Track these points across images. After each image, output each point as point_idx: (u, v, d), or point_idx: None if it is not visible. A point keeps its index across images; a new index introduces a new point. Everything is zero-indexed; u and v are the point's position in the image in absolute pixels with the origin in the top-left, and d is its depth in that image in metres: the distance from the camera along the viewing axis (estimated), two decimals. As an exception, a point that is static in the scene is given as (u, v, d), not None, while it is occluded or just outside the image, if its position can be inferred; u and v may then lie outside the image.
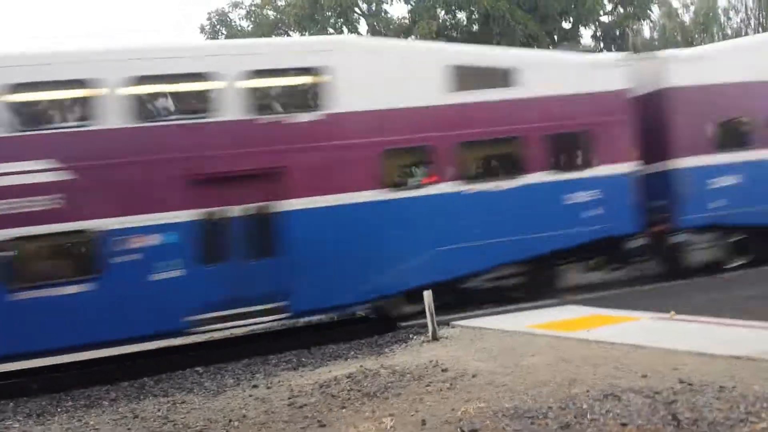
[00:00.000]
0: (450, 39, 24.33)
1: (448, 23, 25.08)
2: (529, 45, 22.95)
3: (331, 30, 24.66)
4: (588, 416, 5.56)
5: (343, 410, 6.62)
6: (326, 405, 6.86)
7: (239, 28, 25.16)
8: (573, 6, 23.96)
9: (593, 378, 6.53)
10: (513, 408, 5.96)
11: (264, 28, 24.68)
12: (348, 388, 7.36)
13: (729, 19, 30.50)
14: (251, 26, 25.00)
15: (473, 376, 7.17)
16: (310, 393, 7.40)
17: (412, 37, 24.40)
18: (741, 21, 30.02)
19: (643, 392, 5.87)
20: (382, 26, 25.07)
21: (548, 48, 24.54)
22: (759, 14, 29.15)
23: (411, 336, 10.14)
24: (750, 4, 29.88)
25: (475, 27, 24.90)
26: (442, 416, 5.96)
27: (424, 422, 5.85)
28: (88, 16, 54.69)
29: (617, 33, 25.99)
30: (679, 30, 27.53)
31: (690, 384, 5.94)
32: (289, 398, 7.32)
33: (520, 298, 12.13)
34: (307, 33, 24.87)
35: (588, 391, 6.11)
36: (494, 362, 7.71)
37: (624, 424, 5.24)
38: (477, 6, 22.97)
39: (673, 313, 9.40)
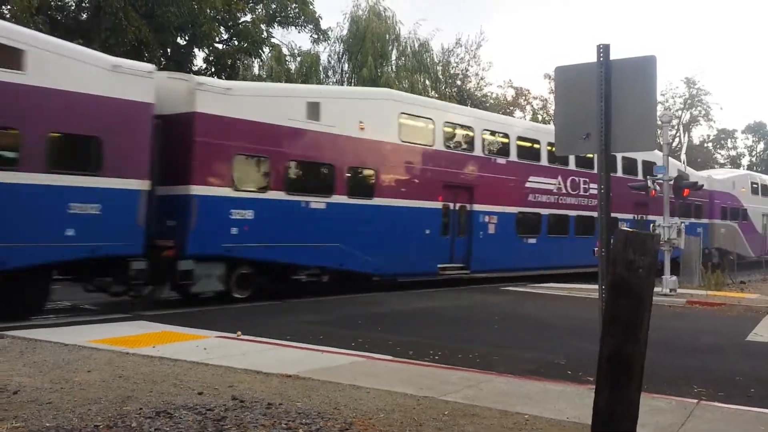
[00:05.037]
0: (53, 21, 22.05)
1: (52, 3, 22.69)
2: (139, 50, 22.17)
3: None
4: (136, 435, 5.35)
5: None
6: None
7: None
8: (190, 25, 24.05)
9: (149, 395, 6.33)
10: (54, 427, 5.43)
11: None
12: None
13: (327, 77, 34.38)
14: None
15: (15, 393, 6.31)
16: None
17: (7, 8, 21.39)
18: (336, 81, 34.10)
19: (196, 409, 5.90)
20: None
21: (160, 60, 24.11)
22: (351, 79, 33.50)
23: (-59, 346, 8.49)
24: (345, 68, 34.19)
25: (84, 16, 23.07)
26: (-39, 440, 5.07)
27: (-66, 448, 4.89)
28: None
29: (229, 63, 26.97)
30: (284, 75, 29.80)
31: (242, 401, 6.19)
32: None
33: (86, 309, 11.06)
34: None
35: (141, 409, 5.88)
36: (43, 378, 6.91)
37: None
38: (90, -6, 21.35)
39: (239, 333, 9.81)
